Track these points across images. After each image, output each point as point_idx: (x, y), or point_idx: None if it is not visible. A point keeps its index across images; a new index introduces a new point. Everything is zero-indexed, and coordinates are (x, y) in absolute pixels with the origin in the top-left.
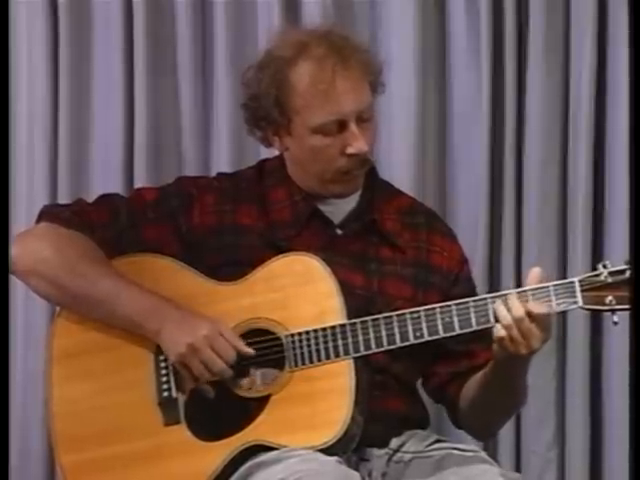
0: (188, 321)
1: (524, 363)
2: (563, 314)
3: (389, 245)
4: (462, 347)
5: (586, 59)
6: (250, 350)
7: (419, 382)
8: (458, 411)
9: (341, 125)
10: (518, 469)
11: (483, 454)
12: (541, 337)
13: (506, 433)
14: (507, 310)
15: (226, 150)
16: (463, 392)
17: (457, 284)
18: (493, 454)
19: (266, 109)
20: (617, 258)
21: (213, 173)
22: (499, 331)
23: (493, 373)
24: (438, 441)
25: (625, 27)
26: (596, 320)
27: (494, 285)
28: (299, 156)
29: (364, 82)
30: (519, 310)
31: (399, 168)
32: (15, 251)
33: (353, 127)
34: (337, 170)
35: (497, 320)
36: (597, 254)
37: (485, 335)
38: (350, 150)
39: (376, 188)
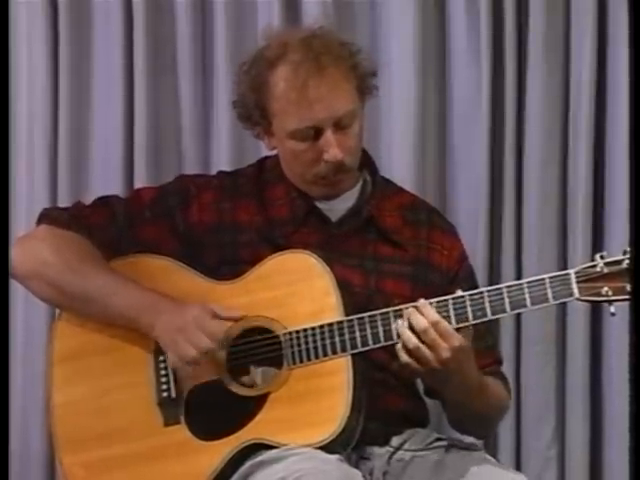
0: (180, 309)
1: (449, 377)
2: (563, 312)
3: (388, 242)
4: None
5: (586, 59)
6: (244, 313)
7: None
8: (446, 413)
9: (317, 131)
10: (518, 467)
11: (483, 452)
12: (451, 346)
13: (506, 431)
14: (408, 325)
15: (226, 149)
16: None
17: (456, 282)
18: (493, 452)
19: (249, 111)
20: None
21: (213, 172)
22: (403, 357)
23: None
24: (439, 439)
25: (625, 27)
26: (596, 319)
27: (494, 284)
28: (282, 156)
29: (344, 88)
30: (421, 322)
31: (399, 168)
32: (14, 255)
33: (328, 134)
34: (315, 174)
35: (403, 345)
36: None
37: (485, 334)
38: (326, 157)
39: (375, 185)
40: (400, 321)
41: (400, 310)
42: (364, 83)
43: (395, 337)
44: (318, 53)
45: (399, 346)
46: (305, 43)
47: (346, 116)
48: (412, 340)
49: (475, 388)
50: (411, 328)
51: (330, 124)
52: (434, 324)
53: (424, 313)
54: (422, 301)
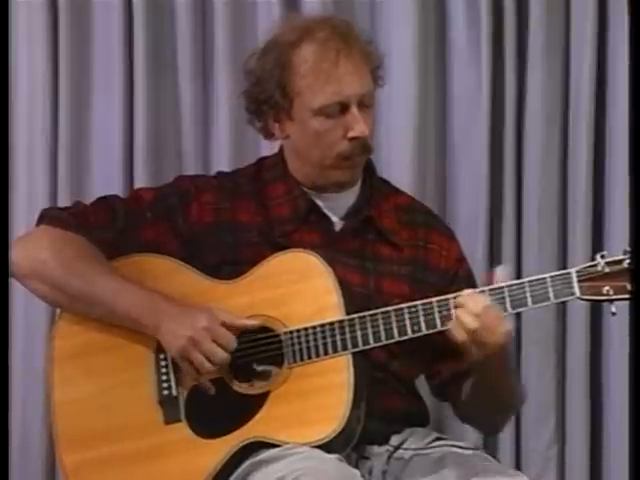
0: (187, 314)
1: (497, 363)
2: (564, 314)
3: (386, 243)
4: None
5: (586, 59)
6: (255, 322)
7: (425, 380)
8: (460, 410)
9: (343, 108)
10: (518, 467)
11: (483, 452)
12: (504, 330)
13: (506, 431)
14: (467, 313)
15: (226, 150)
16: (462, 392)
17: (455, 282)
18: (493, 452)
19: (268, 92)
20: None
21: (213, 172)
22: (461, 335)
23: (475, 376)
24: (438, 439)
25: (625, 27)
26: (596, 318)
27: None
28: (300, 142)
29: (366, 68)
30: (477, 306)
31: (399, 167)
32: (14, 255)
33: (355, 110)
34: (338, 155)
35: (460, 326)
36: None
37: None
38: (351, 133)
39: (374, 185)
40: (454, 309)
41: (401, 309)
42: (376, 70)
43: (396, 336)
44: (343, 32)
45: (454, 325)
46: (329, 23)
47: (368, 95)
48: (473, 323)
49: (509, 371)
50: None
51: (356, 101)
52: (489, 308)
53: (478, 299)
54: (469, 290)
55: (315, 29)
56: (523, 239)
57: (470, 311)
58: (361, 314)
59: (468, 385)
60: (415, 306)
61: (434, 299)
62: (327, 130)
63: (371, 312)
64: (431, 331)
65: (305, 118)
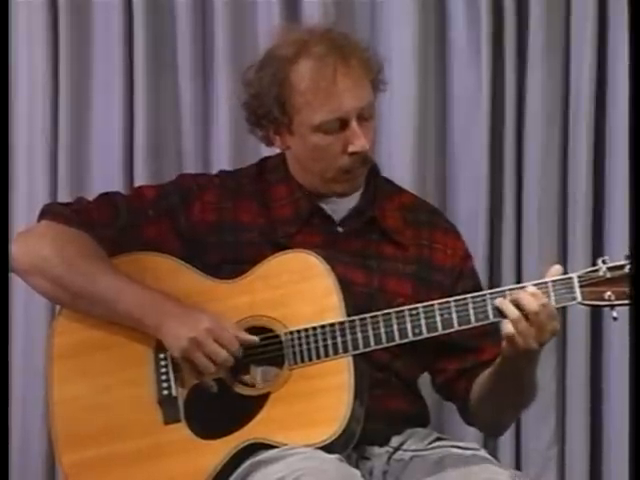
0: (189, 315)
1: (534, 357)
2: (564, 314)
3: (390, 242)
4: (471, 343)
5: (586, 59)
6: (254, 338)
7: (428, 379)
8: (468, 408)
9: (342, 123)
10: (518, 467)
11: (483, 452)
12: (552, 328)
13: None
14: (516, 306)
15: (226, 150)
16: (473, 388)
17: (461, 280)
18: (493, 452)
19: (267, 108)
20: (617, 258)
21: (213, 172)
22: (507, 328)
23: (502, 369)
24: (438, 439)
25: (625, 27)
26: (596, 319)
27: (494, 284)
28: (300, 155)
29: (365, 80)
30: (532, 304)
31: (399, 167)
32: (15, 250)
33: (354, 125)
34: (339, 169)
35: (504, 316)
36: (597, 254)
37: (494, 331)
38: (352, 148)
39: (378, 186)
40: (504, 303)
41: (402, 311)
42: (377, 78)
43: (397, 338)
44: (341, 45)
45: (507, 324)
46: (326, 37)
47: (368, 107)
48: (522, 322)
49: (537, 365)
50: (519, 308)
51: (355, 115)
52: (545, 306)
53: (535, 295)
54: (531, 287)
55: (311, 43)
56: (523, 239)
57: (525, 308)
58: (361, 316)
59: (485, 379)
60: (416, 308)
61: (435, 302)
62: (327, 145)
63: (372, 314)
64: (432, 334)
65: (305, 134)
